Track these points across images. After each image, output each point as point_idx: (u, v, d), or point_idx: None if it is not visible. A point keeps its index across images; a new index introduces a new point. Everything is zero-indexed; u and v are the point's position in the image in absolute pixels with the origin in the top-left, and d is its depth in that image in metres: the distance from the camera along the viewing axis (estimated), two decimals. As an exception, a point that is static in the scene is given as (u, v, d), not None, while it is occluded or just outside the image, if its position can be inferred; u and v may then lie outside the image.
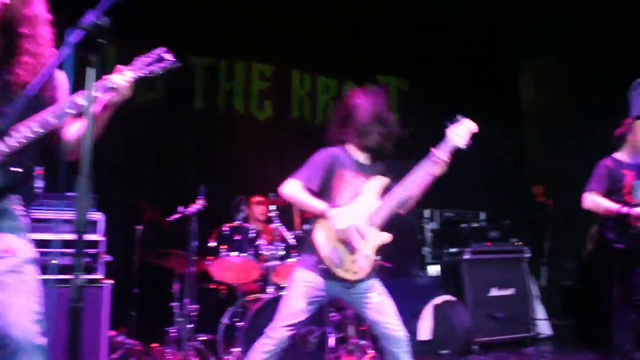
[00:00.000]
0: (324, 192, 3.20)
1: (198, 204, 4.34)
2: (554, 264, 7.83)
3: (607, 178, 4.31)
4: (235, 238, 4.53)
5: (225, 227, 4.61)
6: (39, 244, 3.68)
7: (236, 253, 4.48)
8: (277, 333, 3.06)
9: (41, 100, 2.20)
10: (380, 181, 3.26)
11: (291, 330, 3.06)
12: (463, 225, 6.64)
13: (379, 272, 3.27)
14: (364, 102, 3.26)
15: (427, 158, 3.13)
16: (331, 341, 4.60)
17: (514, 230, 6.83)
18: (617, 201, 4.19)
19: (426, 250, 6.95)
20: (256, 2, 6.77)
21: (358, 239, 3.08)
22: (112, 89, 2.21)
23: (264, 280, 4.72)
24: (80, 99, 2.13)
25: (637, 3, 6.42)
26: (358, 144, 3.28)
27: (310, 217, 3.47)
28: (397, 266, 6.22)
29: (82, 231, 1.52)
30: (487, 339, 5.87)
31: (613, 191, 4.27)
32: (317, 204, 3.13)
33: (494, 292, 6.18)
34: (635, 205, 4.13)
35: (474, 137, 3.21)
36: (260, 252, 4.55)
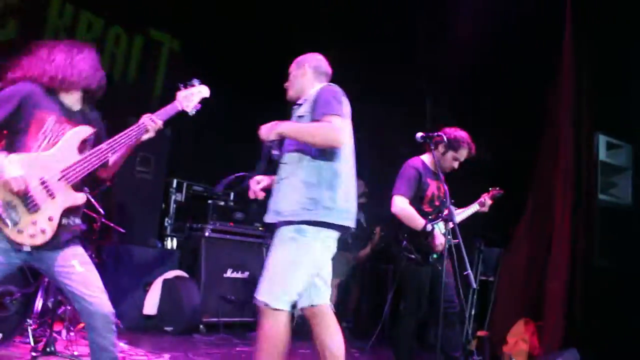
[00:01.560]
0: (12, 133, 2.63)
1: None
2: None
3: (415, 183, 4.05)
4: None
5: None
6: None
7: None
8: None
9: None
10: (85, 131, 2.78)
11: None
12: (210, 201, 6.41)
13: (78, 237, 2.79)
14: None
15: (137, 123, 2.81)
16: (38, 305, 4.03)
17: (261, 215, 6.80)
18: (416, 209, 4.01)
19: (167, 221, 6.59)
20: None
21: (43, 196, 2.59)
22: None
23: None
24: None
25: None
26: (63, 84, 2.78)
27: None
28: (132, 234, 5.76)
29: None
30: (215, 319, 5.72)
31: (414, 198, 4.06)
32: None
33: (230, 273, 6.06)
34: (433, 220, 4.03)
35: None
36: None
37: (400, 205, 4.01)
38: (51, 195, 2.57)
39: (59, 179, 2.60)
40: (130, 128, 2.80)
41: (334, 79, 3.22)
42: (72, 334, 4.32)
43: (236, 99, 7.09)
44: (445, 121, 4.64)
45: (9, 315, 3.74)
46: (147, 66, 7.27)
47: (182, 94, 2.99)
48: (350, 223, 2.99)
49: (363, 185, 7.60)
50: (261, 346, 2.84)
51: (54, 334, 3.95)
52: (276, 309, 2.82)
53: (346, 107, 3.03)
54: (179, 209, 6.69)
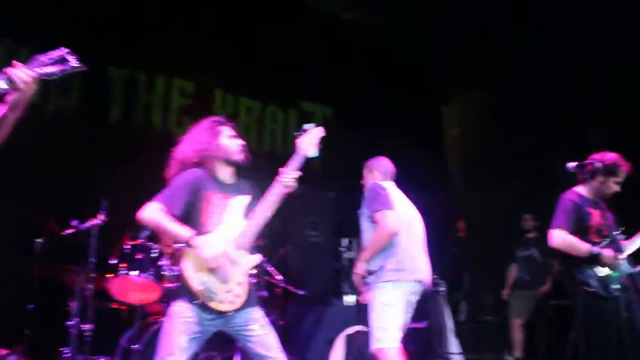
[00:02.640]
0: (189, 216, 3.01)
1: (98, 219, 4.12)
2: (473, 299, 7.96)
3: (574, 214, 3.93)
4: (137, 257, 4.33)
5: (127, 245, 4.40)
6: None
7: (137, 272, 4.26)
8: None
9: None
10: (245, 200, 3.12)
11: None
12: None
13: (262, 300, 3.13)
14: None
15: (277, 180, 3.06)
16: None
17: (432, 264, 6.89)
18: (583, 241, 3.86)
19: (343, 279, 6.89)
20: (181, 14, 6.64)
21: (228, 266, 2.92)
22: (14, 85, 2.10)
23: (167, 302, 4.50)
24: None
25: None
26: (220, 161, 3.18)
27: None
28: (311, 294, 6.15)
29: None
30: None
31: (578, 230, 3.91)
32: (180, 231, 2.92)
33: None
34: (605, 246, 3.85)
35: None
36: (162, 272, 4.35)
37: (558, 237, 3.89)
38: (234, 263, 2.95)
39: (236, 247, 2.98)
40: (272, 187, 3.05)
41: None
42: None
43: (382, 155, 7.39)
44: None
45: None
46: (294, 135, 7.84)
47: (300, 142, 3.18)
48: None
49: (531, 219, 7.40)
50: None
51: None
52: None
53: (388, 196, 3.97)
54: (351, 266, 6.98)
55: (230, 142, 3.21)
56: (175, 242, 3.07)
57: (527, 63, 7.32)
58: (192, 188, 3.03)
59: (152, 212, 2.95)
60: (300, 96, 7.91)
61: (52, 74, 2.21)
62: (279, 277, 5.20)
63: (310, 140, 3.19)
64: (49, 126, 5.70)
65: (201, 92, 7.08)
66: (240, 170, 3.27)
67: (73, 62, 2.23)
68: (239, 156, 3.21)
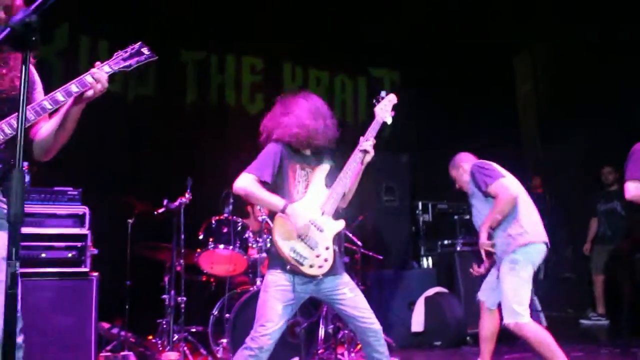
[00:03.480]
0: (277, 186, 3.16)
1: (184, 198, 4.36)
2: (552, 256, 7.86)
3: None
4: (224, 231, 4.56)
5: (213, 220, 4.63)
6: (26, 237, 3.77)
7: (223, 246, 4.50)
8: (256, 343, 2.97)
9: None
10: (326, 170, 3.25)
11: (270, 338, 2.97)
12: (455, 217, 6.64)
13: (345, 265, 3.26)
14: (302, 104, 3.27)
15: (356, 148, 3.17)
16: (321, 332, 4.63)
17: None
18: None
19: (420, 242, 6.97)
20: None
21: (316, 233, 3.07)
22: (89, 84, 2.23)
23: (253, 272, 4.74)
24: (59, 95, 2.18)
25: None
26: (302, 141, 3.23)
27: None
28: (389, 258, 6.27)
29: (19, 222, 1.53)
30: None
31: None
32: (274, 200, 3.08)
33: (487, 283, 6.17)
34: None
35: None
36: (248, 244, 4.57)
37: (634, 189, 3.73)
38: (320, 229, 3.09)
39: (322, 214, 3.12)
40: (353, 154, 3.18)
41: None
42: (353, 354, 4.90)
43: (454, 117, 7.35)
44: None
45: (300, 342, 4.38)
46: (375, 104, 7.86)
47: (378, 109, 3.31)
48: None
49: (613, 172, 7.19)
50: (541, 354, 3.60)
51: (339, 356, 4.54)
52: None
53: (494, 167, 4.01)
54: (428, 228, 7.04)
55: (329, 131, 3.28)
56: (269, 210, 3.20)
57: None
58: (280, 159, 3.18)
59: (246, 182, 3.10)
60: (368, 62, 7.93)
61: (129, 66, 2.37)
62: (358, 242, 5.34)
63: (386, 107, 3.32)
64: (131, 113, 6.02)
65: (270, 67, 7.24)
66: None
67: (147, 53, 2.40)
68: (332, 144, 3.31)
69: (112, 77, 2.33)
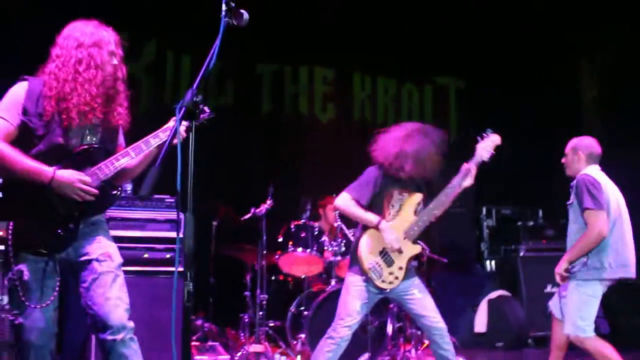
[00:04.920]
0: (372, 206, 3.54)
1: (267, 204, 4.76)
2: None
3: None
4: (302, 235, 4.96)
5: (292, 225, 5.04)
6: (131, 239, 4.24)
7: (302, 249, 4.90)
8: (338, 333, 3.43)
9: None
10: (418, 197, 3.60)
11: (350, 329, 3.43)
12: (519, 222, 6.84)
13: (416, 271, 3.62)
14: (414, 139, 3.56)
15: (459, 172, 3.50)
16: (389, 330, 4.97)
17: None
18: None
19: (483, 246, 7.19)
20: (315, 9, 7.09)
21: (396, 253, 3.46)
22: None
23: (327, 274, 5.13)
24: (154, 141, 2.67)
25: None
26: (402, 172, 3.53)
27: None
28: (454, 261, 6.54)
29: (191, 259, 2.01)
30: (542, 333, 6.06)
31: None
32: (369, 217, 3.47)
33: (550, 288, 6.34)
34: None
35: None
36: (324, 248, 4.95)
37: None
38: (399, 251, 3.46)
39: (404, 238, 3.48)
40: (453, 180, 3.52)
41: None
42: (419, 352, 5.23)
43: (519, 121, 7.50)
44: None
45: (370, 338, 4.73)
46: (439, 111, 8.13)
47: (480, 146, 3.57)
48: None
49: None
50: None
51: (406, 353, 4.88)
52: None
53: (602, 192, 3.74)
54: (491, 233, 7.25)
55: (432, 164, 3.58)
56: (364, 226, 3.55)
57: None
58: (379, 184, 3.56)
59: (345, 202, 3.53)
60: (433, 71, 8.16)
61: (200, 123, 2.71)
62: (425, 247, 5.65)
63: (487, 147, 3.58)
64: (211, 124, 6.46)
65: (340, 77, 7.59)
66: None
67: (209, 112, 2.86)
68: (431, 175, 3.63)
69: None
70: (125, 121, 2.78)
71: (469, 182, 3.54)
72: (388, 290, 3.49)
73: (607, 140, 8.83)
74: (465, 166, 3.52)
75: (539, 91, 7.95)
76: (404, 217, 3.55)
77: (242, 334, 5.11)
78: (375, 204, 3.56)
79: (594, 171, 3.95)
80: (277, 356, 4.81)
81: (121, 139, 2.86)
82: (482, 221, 7.23)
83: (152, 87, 6.53)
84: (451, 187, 3.51)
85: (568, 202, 3.97)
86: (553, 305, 4.25)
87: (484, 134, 3.61)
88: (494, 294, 6.28)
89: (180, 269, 4.41)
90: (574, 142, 4.11)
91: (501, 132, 7.54)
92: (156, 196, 4.45)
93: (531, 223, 6.87)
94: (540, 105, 7.79)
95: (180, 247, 4.01)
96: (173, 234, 4.45)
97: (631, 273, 3.82)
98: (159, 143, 2.66)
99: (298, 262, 5.05)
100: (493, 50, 7.96)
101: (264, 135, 6.82)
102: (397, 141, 3.55)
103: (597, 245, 3.69)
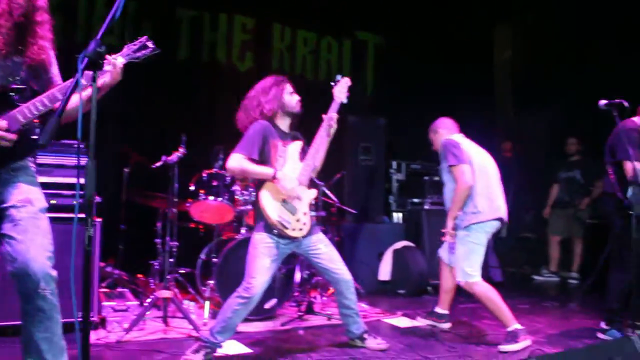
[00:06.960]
0: (262, 161, 3.64)
1: (179, 152, 4.77)
2: (514, 217, 8.42)
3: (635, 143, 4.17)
4: (213, 183, 5.01)
5: (204, 173, 5.08)
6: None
7: (213, 197, 4.97)
8: (248, 292, 3.49)
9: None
10: (298, 144, 3.79)
11: (260, 287, 3.50)
12: (426, 177, 7.15)
13: (321, 219, 3.80)
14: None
15: (322, 124, 3.74)
16: (297, 277, 5.17)
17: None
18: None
19: (392, 198, 7.49)
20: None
21: (296, 200, 3.61)
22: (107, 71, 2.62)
23: (238, 222, 5.24)
24: (83, 81, 2.51)
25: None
26: (280, 114, 3.77)
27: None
28: (363, 213, 6.81)
29: (92, 201, 2.01)
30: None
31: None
32: (265, 170, 3.59)
33: (450, 239, 6.72)
34: None
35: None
36: (235, 196, 5.04)
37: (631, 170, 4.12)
38: (298, 197, 3.61)
39: (299, 184, 3.62)
40: (320, 130, 3.75)
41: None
42: (324, 298, 5.49)
43: (432, 84, 7.75)
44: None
45: (279, 286, 4.91)
46: (358, 65, 8.26)
47: (335, 90, 3.84)
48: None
49: (576, 143, 7.71)
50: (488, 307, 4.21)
51: (312, 299, 5.11)
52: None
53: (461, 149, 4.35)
54: (400, 187, 7.55)
55: (291, 97, 3.82)
56: (259, 182, 3.67)
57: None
58: (263, 137, 3.66)
59: (237, 161, 3.59)
60: (354, 26, 8.26)
61: (137, 58, 2.71)
62: (335, 198, 5.85)
63: (342, 89, 3.84)
64: (126, 68, 6.30)
65: (260, 27, 7.55)
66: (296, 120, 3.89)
67: (151, 46, 2.71)
68: (297, 109, 3.84)
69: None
70: (48, 55, 2.65)
71: (334, 127, 3.79)
72: (300, 238, 3.62)
73: (516, 99, 9.39)
74: (326, 116, 3.76)
75: (455, 56, 8.23)
76: (292, 165, 3.70)
77: (152, 281, 5.17)
78: (265, 158, 3.65)
79: (456, 136, 4.58)
80: (185, 302, 4.90)
81: (53, 74, 2.71)
82: (391, 175, 7.50)
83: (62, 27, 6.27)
84: (320, 137, 3.75)
85: (440, 167, 4.57)
86: (442, 252, 4.74)
87: (336, 80, 3.89)
88: (398, 244, 6.61)
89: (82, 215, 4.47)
90: (433, 125, 4.77)
91: (414, 91, 7.81)
92: (65, 141, 4.38)
93: (437, 178, 7.20)
94: (454, 68, 8.06)
95: (81, 193, 4.01)
96: (82, 180, 4.41)
97: (504, 215, 4.37)
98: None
99: (209, 210, 5.11)
100: (413, 10, 8.14)
101: (180, 82, 6.71)
102: (256, 94, 3.80)
103: (468, 194, 4.24)
